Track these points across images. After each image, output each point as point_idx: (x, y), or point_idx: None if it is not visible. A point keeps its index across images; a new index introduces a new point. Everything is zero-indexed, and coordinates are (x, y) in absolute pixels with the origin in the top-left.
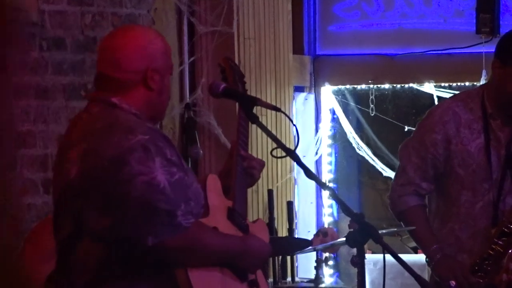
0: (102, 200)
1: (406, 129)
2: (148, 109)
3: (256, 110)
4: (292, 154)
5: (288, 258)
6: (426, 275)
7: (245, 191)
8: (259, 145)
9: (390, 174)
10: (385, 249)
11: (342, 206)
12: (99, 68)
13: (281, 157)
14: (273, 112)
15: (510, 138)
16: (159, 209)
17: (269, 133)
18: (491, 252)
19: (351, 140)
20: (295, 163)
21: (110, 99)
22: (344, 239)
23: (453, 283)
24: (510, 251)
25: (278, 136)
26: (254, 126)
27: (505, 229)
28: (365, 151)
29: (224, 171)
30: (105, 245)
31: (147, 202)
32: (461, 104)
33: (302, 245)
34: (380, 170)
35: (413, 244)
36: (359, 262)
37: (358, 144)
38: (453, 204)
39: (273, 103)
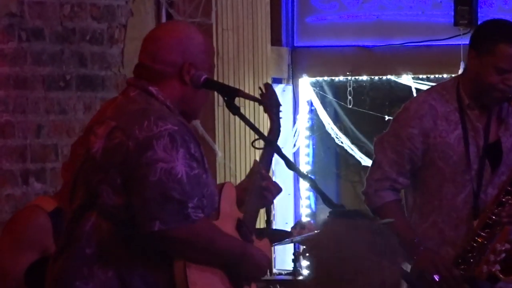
0: (121, 179)
1: (386, 119)
2: (182, 104)
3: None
4: (272, 144)
5: None
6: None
7: (256, 209)
8: (237, 136)
9: (369, 163)
10: None
11: (323, 197)
12: (140, 58)
13: (262, 148)
14: (252, 103)
15: (488, 128)
16: (172, 198)
17: (250, 125)
18: (474, 244)
19: (330, 131)
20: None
21: (148, 87)
22: None
23: (437, 277)
24: (493, 242)
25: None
26: (234, 117)
27: (488, 221)
28: (344, 141)
29: (243, 185)
30: (112, 223)
31: (162, 188)
32: (437, 96)
33: (280, 236)
34: (359, 159)
35: None
36: None
37: (337, 135)
38: (434, 197)
39: (251, 94)
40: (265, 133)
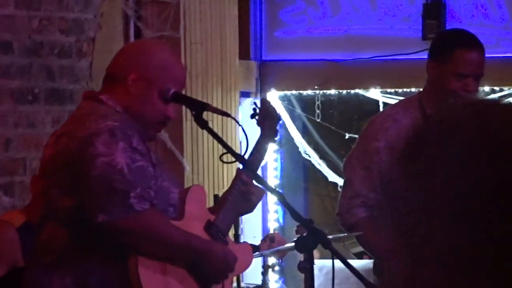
0: (68, 180)
1: (347, 137)
2: (131, 114)
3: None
4: (241, 159)
5: None
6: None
7: (233, 213)
8: (205, 150)
9: (336, 179)
10: (335, 255)
11: (291, 211)
12: None
13: (230, 162)
14: (220, 117)
15: None
16: (114, 188)
17: (218, 139)
18: None
19: (298, 144)
20: None
21: (98, 96)
22: (292, 244)
23: None
24: None
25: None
26: (203, 131)
27: None
28: (311, 156)
29: (224, 193)
30: (68, 229)
31: (105, 180)
32: (400, 109)
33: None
34: (326, 174)
35: (356, 250)
36: (308, 268)
37: (305, 149)
38: None
39: (219, 108)
40: (233, 147)
